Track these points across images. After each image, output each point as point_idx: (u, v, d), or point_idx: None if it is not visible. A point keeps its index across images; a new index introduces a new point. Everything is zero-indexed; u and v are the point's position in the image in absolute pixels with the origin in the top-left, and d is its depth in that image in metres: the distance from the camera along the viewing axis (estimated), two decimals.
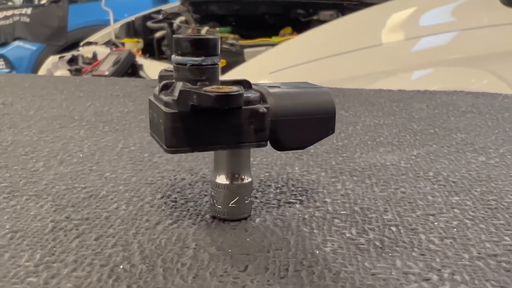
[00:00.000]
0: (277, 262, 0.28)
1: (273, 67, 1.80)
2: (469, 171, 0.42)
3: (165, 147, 0.30)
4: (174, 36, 0.31)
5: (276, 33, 2.37)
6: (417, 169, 0.42)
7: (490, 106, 0.66)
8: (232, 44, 2.29)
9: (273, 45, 2.15)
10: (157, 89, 0.32)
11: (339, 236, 0.31)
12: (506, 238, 0.31)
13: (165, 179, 0.40)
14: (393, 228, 0.32)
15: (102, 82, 0.82)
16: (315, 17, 2.28)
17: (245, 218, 0.33)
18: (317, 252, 0.29)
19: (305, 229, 0.32)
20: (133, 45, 2.51)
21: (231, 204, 0.32)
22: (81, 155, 0.46)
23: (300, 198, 0.36)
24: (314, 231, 0.31)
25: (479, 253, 0.29)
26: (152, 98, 0.32)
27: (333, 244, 0.30)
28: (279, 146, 0.32)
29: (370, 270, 0.27)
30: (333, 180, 0.40)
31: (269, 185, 0.39)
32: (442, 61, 1.73)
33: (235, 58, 2.21)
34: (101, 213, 0.34)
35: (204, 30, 2.45)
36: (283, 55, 1.85)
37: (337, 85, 1.73)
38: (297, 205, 0.35)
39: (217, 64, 0.31)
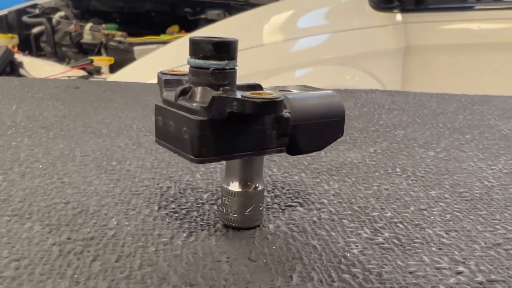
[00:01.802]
0: (317, 269, 0.27)
1: (165, 65, 1.75)
2: (428, 165, 0.44)
3: (192, 157, 0.27)
4: (192, 38, 0.28)
5: (164, 31, 2.31)
6: (383, 165, 0.44)
7: (407, 103, 0.70)
8: (120, 42, 2.19)
9: (162, 43, 2.09)
10: (169, 94, 0.29)
11: (357, 237, 0.31)
12: (498, 227, 0.33)
13: (151, 189, 0.37)
14: (400, 225, 0.32)
15: (15, 83, 0.73)
16: (202, 16, 2.26)
17: (258, 225, 0.31)
18: (348, 255, 0.28)
19: (322, 232, 0.31)
20: (7, 40, 2.29)
21: (247, 212, 0.31)
22: (40, 166, 0.40)
23: (297, 201, 0.36)
24: (332, 233, 0.31)
25: (485, 243, 0.30)
26: (163, 104, 0.29)
27: (357, 246, 0.29)
28: (295, 150, 0.31)
29: (407, 269, 0.27)
30: (316, 180, 0.40)
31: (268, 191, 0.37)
32: (320, 61, 1.82)
33: (124, 56, 2.11)
34: (104, 230, 0.30)
35: (88, 26, 2.31)
36: (175, 53, 1.81)
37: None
38: (300, 208, 0.34)
39: (236, 67, 0.29)
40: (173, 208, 0.33)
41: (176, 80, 0.31)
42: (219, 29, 1.85)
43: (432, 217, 0.34)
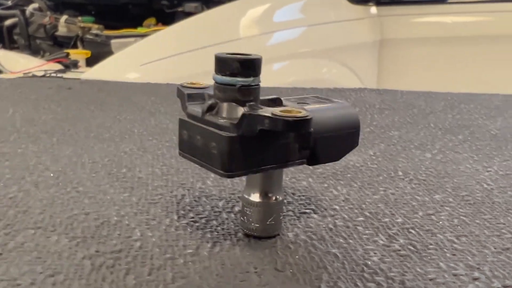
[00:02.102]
0: (342, 278, 0.28)
1: (143, 59, 1.73)
2: (428, 168, 0.46)
3: (221, 172, 0.28)
4: (219, 55, 0.29)
5: (140, 24, 2.28)
6: (385, 169, 0.45)
7: (396, 102, 0.72)
8: (97, 35, 2.15)
9: (140, 36, 2.07)
10: (194, 109, 0.30)
11: (374, 244, 0.32)
12: (504, 231, 0.34)
13: (166, 197, 0.37)
14: (412, 231, 0.34)
15: (6, 83, 0.72)
16: (180, 9, 2.24)
17: (278, 234, 0.32)
18: (369, 263, 0.30)
19: (340, 240, 0.32)
20: None
21: (269, 222, 0.31)
22: (51, 174, 0.40)
23: (310, 207, 0.37)
24: (350, 241, 0.32)
25: (495, 248, 0.32)
26: (188, 119, 0.30)
27: (375, 253, 0.31)
28: (314, 161, 0.31)
29: (427, 276, 0.28)
30: (324, 185, 0.41)
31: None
32: (297, 54, 1.83)
33: (101, 49, 2.08)
34: (130, 242, 0.30)
35: (63, 18, 2.26)
36: (153, 47, 1.79)
37: (210, 75, 1.74)
38: (314, 215, 0.35)
39: (260, 83, 0.29)
40: (192, 218, 0.34)
41: (198, 94, 0.31)
42: (196, 22, 1.84)
43: (440, 222, 0.35)
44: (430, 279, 0.28)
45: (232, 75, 0.28)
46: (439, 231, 0.34)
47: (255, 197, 0.31)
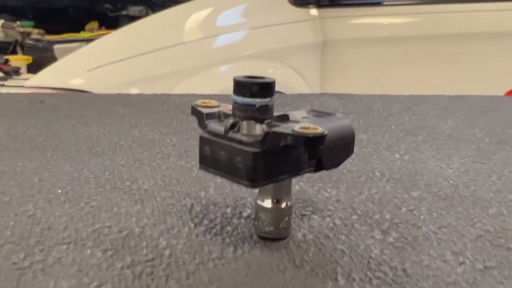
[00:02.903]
0: (354, 270, 0.32)
1: (90, 64, 1.72)
2: (400, 168, 0.51)
3: (247, 183, 0.31)
4: (239, 80, 0.32)
5: (82, 28, 2.24)
6: (363, 170, 0.50)
7: (357, 106, 0.78)
8: (37, 40, 2.09)
9: (83, 40, 2.04)
10: (214, 127, 0.33)
11: (372, 239, 0.36)
12: (475, 221, 0.40)
13: (176, 207, 0.40)
14: (401, 225, 0.39)
15: None
16: (124, 12, 2.23)
17: (288, 236, 0.36)
18: (372, 255, 0.34)
19: (343, 237, 0.36)
20: None
21: (281, 225, 0.35)
22: (59, 191, 0.42)
23: (309, 209, 0.41)
24: (351, 237, 0.36)
25: (472, 236, 0.37)
26: (209, 136, 0.33)
27: (375, 247, 0.35)
28: (319, 168, 0.36)
29: (423, 263, 0.33)
30: (315, 188, 0.45)
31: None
32: (242, 56, 1.88)
33: (43, 55, 2.03)
34: (159, 251, 0.33)
35: (0, 23, 2.19)
36: (100, 52, 1.78)
37: (161, 80, 1.74)
38: (314, 216, 0.39)
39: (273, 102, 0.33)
40: (207, 225, 0.37)
41: (213, 113, 0.35)
42: (142, 27, 1.84)
43: (422, 216, 0.40)
44: (426, 266, 0.33)
45: (252, 96, 0.32)
46: (423, 224, 0.39)
47: (269, 203, 0.35)
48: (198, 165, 0.49)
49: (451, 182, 0.48)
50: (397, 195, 0.44)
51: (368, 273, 0.32)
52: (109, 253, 0.33)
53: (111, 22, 2.22)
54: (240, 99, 0.32)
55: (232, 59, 1.87)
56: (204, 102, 0.36)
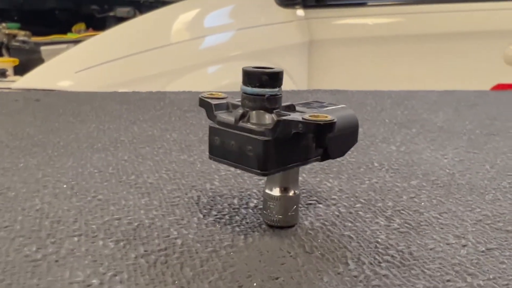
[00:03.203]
0: (363, 254, 0.33)
1: (78, 66, 1.70)
2: (397, 159, 0.52)
3: (258, 171, 0.32)
4: (248, 70, 0.32)
5: (69, 29, 2.22)
6: (362, 161, 0.51)
7: (350, 101, 0.79)
8: (24, 42, 2.07)
9: (71, 42, 2.02)
10: (223, 117, 0.33)
11: (377, 225, 0.37)
12: (474, 207, 0.41)
13: (184, 199, 0.40)
14: (404, 212, 0.39)
15: None
16: (111, 13, 2.21)
17: (296, 223, 0.37)
18: (379, 240, 0.35)
19: (349, 224, 0.37)
20: None
21: (290, 213, 0.36)
22: (65, 186, 0.42)
23: (313, 199, 0.41)
24: (357, 224, 0.37)
25: (471, 220, 0.38)
26: (219, 126, 0.33)
27: (381, 232, 0.36)
28: (326, 157, 0.36)
29: (428, 247, 0.34)
30: (317, 179, 0.46)
31: None
32: (230, 57, 1.88)
33: (30, 57, 2.01)
34: (171, 240, 0.33)
35: None
36: (88, 53, 1.77)
37: (149, 81, 1.74)
38: (320, 205, 0.40)
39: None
40: (216, 215, 0.37)
41: (222, 104, 0.35)
42: (130, 28, 1.83)
43: (423, 203, 0.41)
44: (430, 249, 0.34)
45: (261, 86, 0.32)
46: (425, 210, 0.40)
47: (277, 192, 0.35)
48: (200, 159, 0.49)
49: (447, 171, 0.49)
50: (397, 184, 0.45)
51: (377, 256, 0.32)
52: (122, 243, 0.33)
53: (98, 24, 2.20)
54: (250, 89, 0.32)
55: (220, 59, 1.87)
56: (212, 94, 0.37)
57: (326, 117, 0.31)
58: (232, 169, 0.47)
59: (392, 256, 0.33)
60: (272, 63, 1.99)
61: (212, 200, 0.40)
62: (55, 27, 2.17)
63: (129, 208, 0.38)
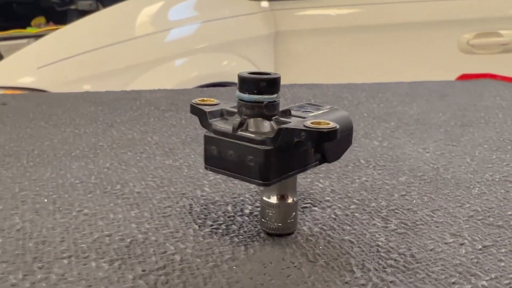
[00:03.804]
0: (366, 260, 0.32)
1: (40, 61, 1.63)
2: (382, 155, 0.51)
3: (260, 181, 0.30)
4: (246, 76, 0.30)
5: (28, 23, 2.12)
6: (349, 159, 0.50)
7: (327, 95, 0.78)
8: None
9: (31, 37, 1.93)
10: (220, 125, 0.31)
11: (375, 227, 0.36)
12: (463, 202, 0.40)
13: (175, 209, 0.38)
14: (399, 212, 0.38)
15: None
16: (72, 7, 2.12)
17: (295, 230, 0.35)
18: (380, 243, 0.34)
19: (347, 227, 0.36)
20: None
21: (289, 220, 0.34)
22: (45, 200, 0.39)
23: (308, 202, 0.40)
24: (355, 227, 0.36)
25: (464, 217, 0.38)
26: (215, 135, 0.31)
27: (380, 235, 0.35)
28: (322, 161, 0.35)
29: (428, 247, 0.33)
30: (308, 180, 0.44)
31: None
32: (197, 49, 1.85)
33: None
34: (169, 257, 0.31)
35: None
36: (50, 48, 1.70)
37: (115, 75, 1.69)
38: (315, 208, 0.39)
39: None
40: (212, 225, 0.36)
41: (216, 111, 0.33)
42: (93, 22, 1.77)
43: (414, 201, 0.41)
44: (431, 250, 0.33)
45: (259, 93, 0.30)
46: (418, 209, 0.39)
47: (276, 199, 0.34)
48: (187, 164, 0.47)
49: (431, 165, 0.49)
50: (386, 181, 0.44)
51: (380, 261, 0.31)
52: (116, 264, 0.30)
53: (59, 17, 2.11)
54: (247, 96, 0.30)
55: (187, 52, 1.84)
56: (204, 100, 0.35)
57: (328, 123, 0.29)
58: None
59: (395, 260, 0.32)
60: (239, 55, 1.98)
61: (205, 209, 0.38)
62: (14, 21, 2.07)
63: (119, 222, 0.36)
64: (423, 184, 0.44)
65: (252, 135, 0.30)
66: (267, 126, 0.31)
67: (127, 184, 0.42)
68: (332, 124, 0.29)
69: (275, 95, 0.31)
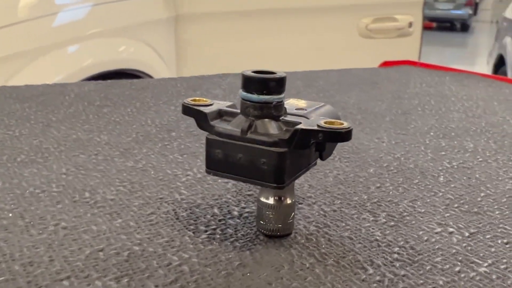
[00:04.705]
0: (372, 255, 0.33)
1: None
2: (343, 146, 0.54)
3: (275, 185, 0.30)
4: (253, 76, 0.30)
5: None
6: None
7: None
8: None
9: None
10: (224, 127, 0.31)
11: (366, 221, 0.38)
12: (436, 191, 0.44)
13: (160, 215, 0.37)
14: (382, 204, 0.41)
15: None
16: None
17: (292, 230, 0.36)
18: (378, 237, 0.35)
19: (341, 224, 0.37)
20: None
21: (289, 220, 0.35)
22: (10, 215, 0.35)
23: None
24: (348, 223, 0.37)
25: (442, 205, 0.41)
26: (222, 138, 0.31)
27: (373, 229, 0.37)
28: (320, 159, 0.36)
29: (423, 238, 0.36)
30: None
31: (251, 195, 0.41)
32: (89, 35, 1.76)
33: None
34: (176, 268, 0.30)
35: None
36: None
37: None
38: (303, 206, 0.40)
39: None
40: (206, 230, 0.35)
41: (214, 112, 0.32)
42: None
43: (391, 192, 0.43)
44: (426, 241, 0.36)
45: (268, 93, 0.30)
46: (398, 200, 0.42)
47: (276, 201, 0.34)
48: (150, 165, 0.46)
49: (392, 155, 0.52)
50: (357, 174, 0.47)
51: (386, 256, 0.33)
52: (125, 281, 0.29)
53: None
54: (255, 96, 0.30)
55: (80, 38, 1.74)
56: (196, 100, 0.34)
57: (342, 123, 0.30)
58: (192, 173, 0.44)
59: (398, 253, 0.34)
60: (137, 39, 1.92)
61: (191, 213, 0.37)
62: None
63: (106, 234, 0.34)
64: (392, 175, 0.47)
65: (264, 137, 0.30)
66: (275, 127, 0.31)
67: (95, 191, 0.40)
68: (346, 124, 0.30)
69: (282, 95, 0.31)
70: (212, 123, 0.32)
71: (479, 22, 10.69)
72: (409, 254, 0.34)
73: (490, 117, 0.68)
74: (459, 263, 0.33)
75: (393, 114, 0.67)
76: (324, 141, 0.30)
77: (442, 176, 0.47)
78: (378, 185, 0.45)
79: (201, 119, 0.32)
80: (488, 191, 0.44)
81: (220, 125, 0.31)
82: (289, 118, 0.32)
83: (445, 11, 9.28)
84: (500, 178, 0.47)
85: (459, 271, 0.32)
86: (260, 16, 2.04)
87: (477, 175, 0.48)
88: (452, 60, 6.04)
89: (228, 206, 0.39)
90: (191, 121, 0.59)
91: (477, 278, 0.31)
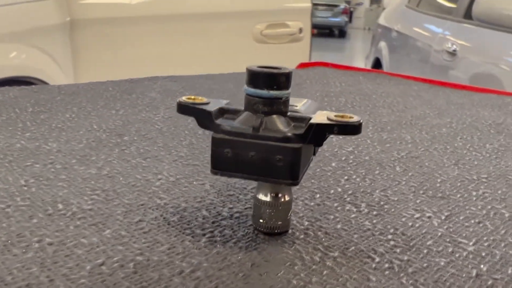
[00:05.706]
0: (372, 244, 0.33)
1: None
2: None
3: (291, 181, 0.29)
4: (265, 71, 0.29)
5: None
6: None
7: (194, 89, 0.76)
8: None
9: None
10: (231, 125, 0.29)
11: (352, 213, 0.38)
12: (403, 180, 0.45)
13: (152, 223, 0.34)
14: (358, 195, 0.41)
15: None
16: None
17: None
18: (369, 227, 0.36)
19: (330, 216, 0.37)
20: None
21: (289, 217, 0.34)
22: None
23: None
24: (336, 215, 0.37)
25: (414, 193, 0.43)
26: (230, 136, 0.29)
27: (361, 220, 0.37)
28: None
29: (409, 224, 0.37)
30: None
31: (232, 195, 0.39)
32: None
33: None
34: (190, 275, 0.28)
35: None
36: None
37: None
38: (298, 201, 0.39)
39: None
40: (204, 234, 0.33)
41: (216, 110, 0.30)
42: None
43: (361, 183, 0.44)
44: (411, 226, 0.37)
45: (279, 88, 0.29)
46: (370, 190, 0.43)
47: (276, 198, 0.33)
48: (116, 171, 0.42)
49: (346, 149, 0.53)
50: (323, 168, 0.47)
51: (385, 244, 0.34)
52: None
53: None
54: (266, 92, 0.29)
55: None
56: (192, 98, 0.31)
57: (352, 117, 0.30)
58: (164, 176, 0.42)
59: (394, 240, 0.34)
60: (30, 45, 1.78)
61: (181, 217, 0.35)
62: None
63: (101, 248, 0.30)
64: (354, 167, 0.48)
65: (277, 134, 0.29)
66: (284, 122, 0.30)
67: (68, 202, 0.36)
68: (356, 118, 0.30)
69: (289, 90, 0.30)
70: (218, 122, 0.30)
71: (354, 29, 11.47)
72: (403, 240, 0.35)
73: (412, 111, 0.72)
74: (449, 244, 0.34)
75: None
76: (339, 134, 0.30)
77: (398, 166, 0.49)
78: (346, 177, 0.45)
79: (204, 118, 0.30)
80: (442, 177, 0.47)
81: (226, 123, 0.30)
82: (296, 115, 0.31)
83: (325, 19, 9.83)
84: (446, 165, 0.50)
85: (452, 252, 0.33)
86: (157, 21, 2.00)
87: (427, 164, 0.50)
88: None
89: (215, 207, 0.37)
90: (139, 124, 0.56)
91: (470, 256, 0.33)
